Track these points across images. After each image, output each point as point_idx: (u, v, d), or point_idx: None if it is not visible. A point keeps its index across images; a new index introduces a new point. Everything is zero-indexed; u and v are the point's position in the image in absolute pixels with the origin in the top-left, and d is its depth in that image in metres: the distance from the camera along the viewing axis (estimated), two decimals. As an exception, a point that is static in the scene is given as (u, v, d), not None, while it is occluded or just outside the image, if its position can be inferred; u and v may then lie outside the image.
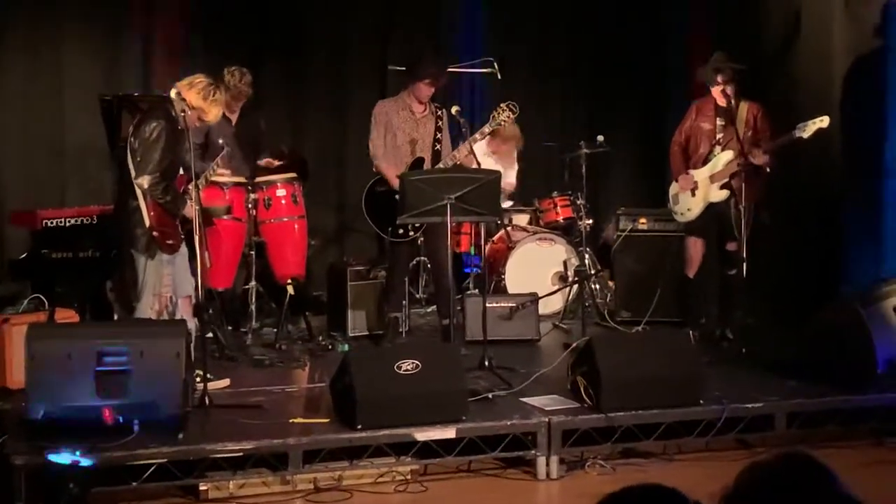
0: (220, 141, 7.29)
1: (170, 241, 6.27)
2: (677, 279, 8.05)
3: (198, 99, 6.22)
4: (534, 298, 8.12)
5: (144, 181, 6.11)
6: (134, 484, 5.14)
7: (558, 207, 9.35)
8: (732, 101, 7.52)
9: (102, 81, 9.05)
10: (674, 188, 7.96)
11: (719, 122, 7.72)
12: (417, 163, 7.53)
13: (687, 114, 7.93)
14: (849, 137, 8.24)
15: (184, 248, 6.38)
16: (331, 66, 10.14)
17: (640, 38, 10.66)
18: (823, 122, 7.16)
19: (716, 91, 7.61)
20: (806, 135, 7.18)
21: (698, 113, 7.83)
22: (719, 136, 7.72)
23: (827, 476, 2.01)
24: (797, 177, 8.33)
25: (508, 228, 9.13)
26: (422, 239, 7.74)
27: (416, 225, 7.39)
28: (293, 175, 8.06)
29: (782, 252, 8.59)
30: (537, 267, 8.87)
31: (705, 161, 7.75)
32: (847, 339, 6.44)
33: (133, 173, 6.17)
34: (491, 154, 9.27)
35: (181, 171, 6.36)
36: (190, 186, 6.29)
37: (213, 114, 6.36)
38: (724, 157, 7.63)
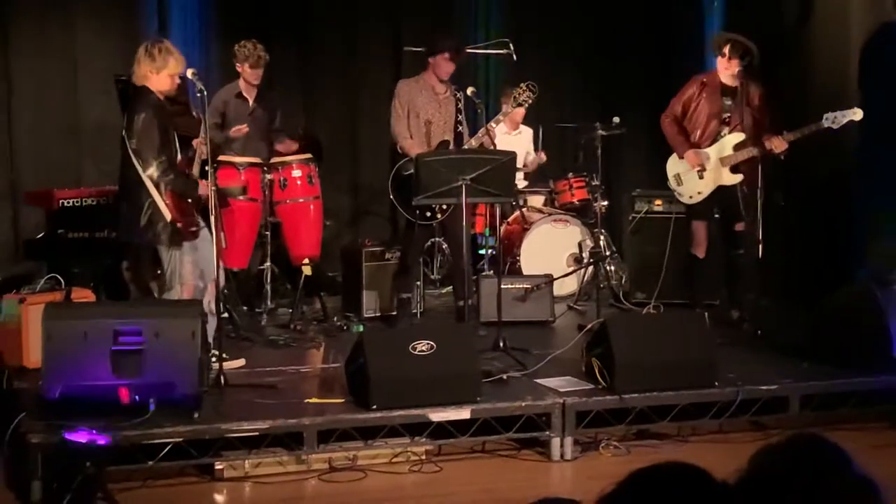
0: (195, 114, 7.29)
1: (192, 228, 6.27)
2: (689, 260, 8.04)
3: (144, 69, 6.22)
4: (548, 280, 8.13)
5: (154, 171, 6.09)
6: (150, 463, 5.16)
7: (573, 189, 9.35)
8: (740, 81, 7.38)
9: (117, 61, 9.05)
10: (675, 167, 7.75)
11: (726, 101, 7.52)
12: (443, 145, 7.48)
13: (687, 86, 7.67)
14: (865, 117, 8.17)
15: (207, 234, 6.37)
16: (344, 48, 10.13)
17: (655, 17, 10.62)
18: (857, 114, 7.05)
19: (721, 64, 7.48)
20: (836, 126, 7.07)
21: (703, 89, 7.58)
22: (726, 115, 7.53)
23: (840, 457, 2.01)
24: (812, 157, 8.27)
25: (523, 209, 9.13)
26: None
27: (444, 207, 7.35)
28: (309, 156, 8.06)
29: (797, 233, 8.56)
30: (552, 248, 8.88)
31: (712, 141, 7.57)
32: (862, 322, 6.43)
33: (140, 171, 6.15)
34: (509, 132, 9.27)
35: (178, 155, 6.35)
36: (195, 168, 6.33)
37: (174, 61, 6.28)
38: (732, 140, 7.48)
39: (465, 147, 7.40)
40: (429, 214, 7.41)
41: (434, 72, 7.50)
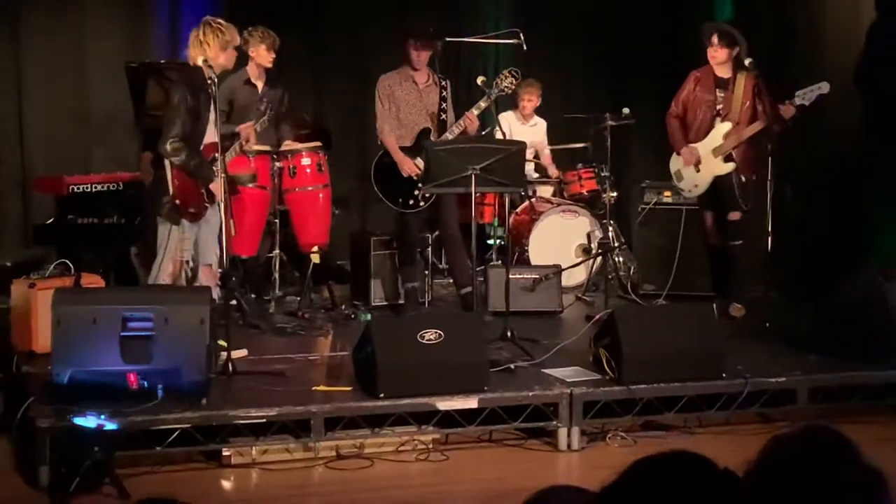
0: (263, 107, 7.36)
1: (192, 210, 6.30)
2: (701, 252, 8.08)
3: (216, 48, 6.28)
4: (557, 270, 8.12)
5: (167, 145, 6.16)
6: (158, 448, 5.19)
7: (582, 180, 9.34)
8: (730, 71, 7.51)
9: (128, 48, 9.07)
10: (675, 163, 7.90)
11: (719, 93, 7.65)
12: (423, 134, 7.52)
13: (685, 84, 7.81)
14: (873, 108, 8.16)
15: (214, 218, 6.38)
16: (353, 37, 10.12)
17: (665, 7, 10.59)
18: (822, 88, 7.15)
19: (710, 54, 7.58)
20: (808, 102, 7.18)
21: (697, 83, 7.72)
22: (719, 107, 7.64)
23: (850, 448, 2.01)
24: (820, 150, 8.28)
25: (532, 200, 9.12)
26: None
27: (427, 195, 7.37)
28: (318, 144, 8.06)
29: (806, 226, 8.55)
30: (561, 239, 8.87)
31: (706, 133, 7.68)
32: (870, 314, 6.42)
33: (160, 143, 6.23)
34: (524, 123, 9.24)
35: (207, 140, 6.37)
36: (217, 154, 6.32)
37: (236, 33, 6.42)
38: (721, 130, 7.60)
39: (447, 135, 7.42)
40: (411, 202, 7.44)
41: (407, 61, 7.53)
